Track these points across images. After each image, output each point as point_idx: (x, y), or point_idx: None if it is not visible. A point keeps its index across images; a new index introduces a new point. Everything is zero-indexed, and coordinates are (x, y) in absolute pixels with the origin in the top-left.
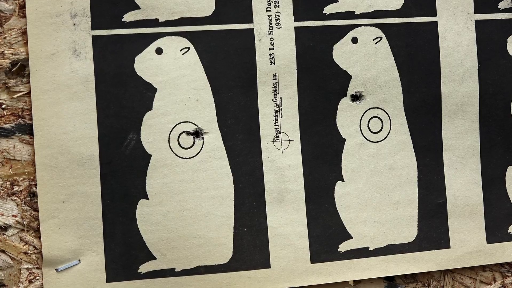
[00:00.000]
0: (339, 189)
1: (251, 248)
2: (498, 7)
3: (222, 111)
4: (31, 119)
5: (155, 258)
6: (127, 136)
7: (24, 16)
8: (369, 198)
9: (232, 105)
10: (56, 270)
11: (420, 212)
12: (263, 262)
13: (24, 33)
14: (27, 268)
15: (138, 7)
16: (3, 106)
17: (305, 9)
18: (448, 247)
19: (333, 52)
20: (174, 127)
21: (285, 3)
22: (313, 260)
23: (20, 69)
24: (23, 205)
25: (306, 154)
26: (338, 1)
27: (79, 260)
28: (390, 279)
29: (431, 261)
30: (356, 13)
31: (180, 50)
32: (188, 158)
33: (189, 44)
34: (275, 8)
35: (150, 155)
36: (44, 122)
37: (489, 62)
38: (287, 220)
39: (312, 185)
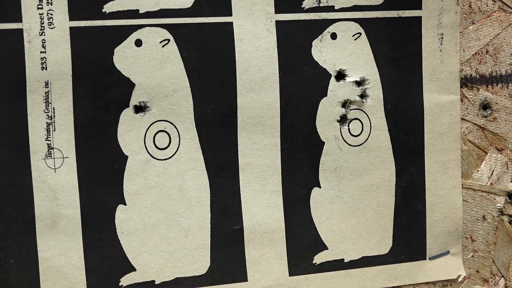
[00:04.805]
0: (121, 214)
1: (19, 282)
2: (302, 6)
3: None
4: None
5: None
6: None
7: None
8: (155, 224)
9: None
10: None
11: (213, 240)
12: None
13: None
14: None
15: None
16: None
17: (82, 7)
18: (245, 280)
19: (114, 56)
20: None
21: (59, 0)
22: None
23: None
24: None
25: (83, 174)
26: None
27: None
28: None
29: None
30: (140, 12)
31: None
32: None
33: None
34: (48, 5)
35: None
36: None
37: (291, 68)
38: (61, 249)
39: (90, 209)
